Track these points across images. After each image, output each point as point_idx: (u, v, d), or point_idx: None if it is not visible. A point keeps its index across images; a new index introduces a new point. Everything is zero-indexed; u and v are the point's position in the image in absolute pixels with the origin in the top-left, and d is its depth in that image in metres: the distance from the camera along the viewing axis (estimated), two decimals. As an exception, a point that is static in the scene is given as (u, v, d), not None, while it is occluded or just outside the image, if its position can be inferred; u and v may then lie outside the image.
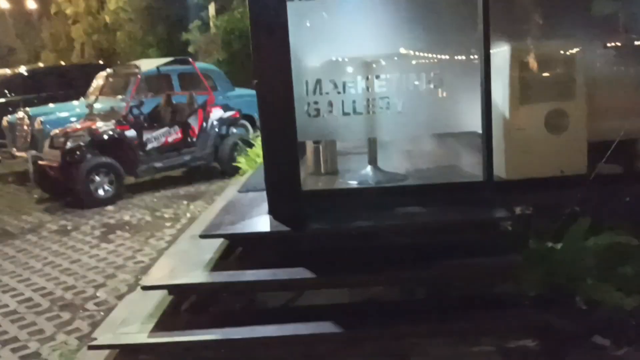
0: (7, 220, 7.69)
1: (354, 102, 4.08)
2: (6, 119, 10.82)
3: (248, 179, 5.61)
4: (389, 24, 4.03)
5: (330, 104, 4.09)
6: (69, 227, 7.11)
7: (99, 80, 11.63)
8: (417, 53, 4.08)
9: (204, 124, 9.18)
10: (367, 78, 4.06)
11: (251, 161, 8.11)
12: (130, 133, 8.36)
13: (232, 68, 13.15)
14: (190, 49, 14.32)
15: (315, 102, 4.06)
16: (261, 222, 4.02)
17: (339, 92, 4.05)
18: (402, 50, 4.07)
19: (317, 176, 4.96)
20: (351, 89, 4.06)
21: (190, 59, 9.56)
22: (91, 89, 11.65)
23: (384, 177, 4.55)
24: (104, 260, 5.77)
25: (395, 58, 4.07)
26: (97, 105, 9.18)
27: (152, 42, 17.08)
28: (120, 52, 18.17)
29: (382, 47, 4.06)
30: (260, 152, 8.17)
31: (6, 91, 13.25)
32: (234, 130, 9.66)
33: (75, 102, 11.15)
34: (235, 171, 8.98)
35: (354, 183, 4.59)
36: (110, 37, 19.10)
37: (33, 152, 9.37)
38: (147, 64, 8.85)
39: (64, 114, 10.32)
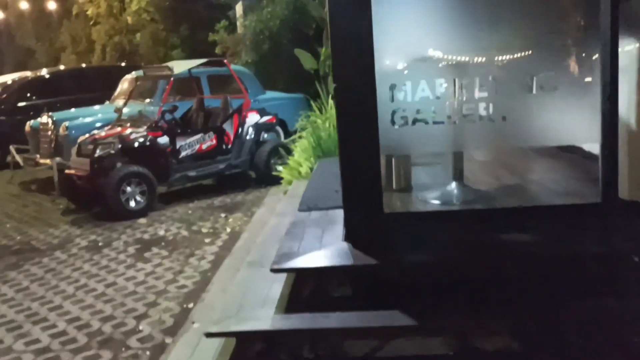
0: (32, 234, 7.15)
1: (447, 108, 3.46)
2: (29, 124, 10.32)
3: (304, 195, 5.01)
4: (490, 17, 3.41)
5: (419, 111, 3.46)
6: (100, 243, 6.56)
7: (125, 83, 11.14)
8: (524, 52, 3.44)
9: (240, 130, 8.61)
10: (464, 81, 3.44)
11: (292, 170, 7.50)
12: (163, 140, 7.81)
13: (261, 70, 12.58)
14: (217, 49, 13.77)
15: (403, 110, 3.43)
16: (339, 252, 3.40)
17: (431, 98, 3.43)
18: (506, 49, 3.44)
19: (389, 193, 4.34)
20: (445, 94, 3.44)
21: (225, 60, 8.99)
22: (117, 93, 11.16)
23: (473, 196, 3.93)
24: (143, 284, 5.20)
25: (498, 58, 3.44)
26: (125, 110, 8.64)
27: (175, 43, 16.58)
28: (143, 53, 17.68)
29: (482, 45, 3.44)
30: (302, 161, 7.66)
31: (28, 94, 12.83)
32: (267, 136, 9.08)
33: (99, 107, 10.64)
34: (273, 180, 8.42)
35: (435, 202, 3.96)
36: (132, 38, 18.63)
37: (58, 159, 8.87)
38: (180, 66, 8.30)
39: (89, 119, 9.81)
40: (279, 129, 10.41)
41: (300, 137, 9.98)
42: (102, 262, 5.89)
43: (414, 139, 3.54)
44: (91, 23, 20.54)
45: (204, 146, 8.24)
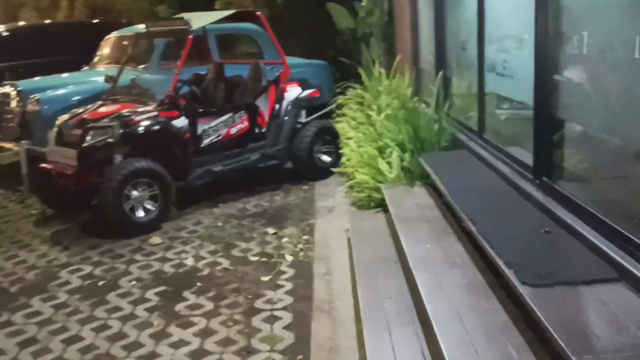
0: (-6, 261, 4.90)
1: None
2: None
3: (492, 242, 2.90)
4: None
5: None
6: (99, 282, 4.36)
7: (109, 44, 8.76)
8: None
9: (277, 108, 6.41)
10: None
11: (363, 166, 5.37)
12: (180, 122, 5.56)
13: (274, 30, 10.22)
14: (217, 5, 11.35)
15: None
16: None
17: None
18: None
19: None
20: None
21: (259, 13, 6.68)
22: (98, 56, 8.77)
23: None
24: (194, 383, 3.08)
25: None
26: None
27: (161, -4, 13.96)
28: (122, 9, 15.03)
29: None
30: (387, 155, 5.37)
31: None
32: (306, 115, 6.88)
33: (75, 74, 8.24)
34: (316, 175, 6.36)
35: None
36: (107, -9, 15.95)
37: (26, 143, 6.49)
38: (201, 19, 5.97)
39: (65, 90, 7.41)
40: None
41: (342, 115, 7.85)
42: (112, 327, 3.71)
43: None
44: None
45: (233, 130, 6.02)
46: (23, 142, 6.43)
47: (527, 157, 3.58)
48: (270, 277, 4.28)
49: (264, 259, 4.61)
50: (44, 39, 10.56)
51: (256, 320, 3.65)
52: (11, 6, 21.80)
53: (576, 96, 3.00)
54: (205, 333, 3.54)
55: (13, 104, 7.26)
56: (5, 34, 10.81)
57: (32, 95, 7.01)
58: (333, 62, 9.85)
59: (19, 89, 7.27)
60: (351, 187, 5.65)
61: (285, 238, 5.02)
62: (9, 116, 7.35)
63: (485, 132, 4.58)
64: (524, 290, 2.29)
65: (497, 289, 2.79)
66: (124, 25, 10.01)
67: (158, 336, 3.54)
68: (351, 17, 9.02)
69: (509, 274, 2.43)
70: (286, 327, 3.56)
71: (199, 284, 4.23)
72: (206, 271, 4.44)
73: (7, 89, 7.35)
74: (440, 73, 5.55)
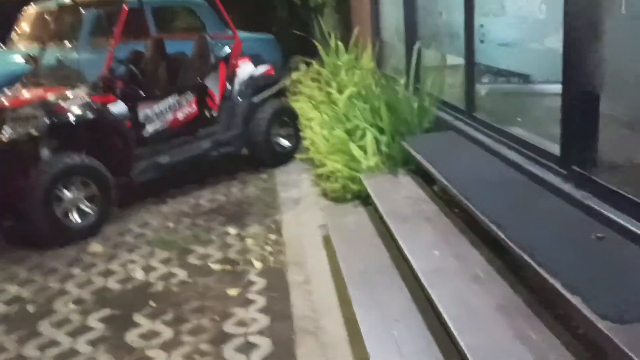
0: None
1: None
2: None
3: (529, 249, 2.32)
4: None
5: None
6: (30, 309, 3.58)
7: (28, 19, 7.75)
8: None
9: (228, 87, 5.66)
10: None
11: (339, 154, 4.73)
12: (118, 108, 4.74)
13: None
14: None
15: None
16: None
17: None
18: None
19: None
20: None
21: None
22: (16, 32, 7.75)
23: None
24: None
25: None
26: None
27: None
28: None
29: None
30: (369, 141, 4.60)
31: None
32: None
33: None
34: (275, 161, 5.75)
35: None
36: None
37: None
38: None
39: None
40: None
41: (297, 93, 7.21)
42: (46, 368, 2.98)
43: None
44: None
45: (180, 115, 5.25)
46: None
47: (542, 141, 3.04)
48: (238, 290, 3.61)
49: (228, 267, 3.93)
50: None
51: (228, 351, 2.99)
52: None
53: (617, 68, 2.46)
54: (168, 373, 2.86)
55: None
56: None
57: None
58: (279, 36, 9.11)
59: None
60: (319, 176, 5.03)
61: (250, 239, 4.35)
62: None
63: (476, 110, 4.02)
64: (604, 326, 1.73)
65: (541, 311, 2.24)
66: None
67: (108, 381, 2.84)
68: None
69: (575, 301, 1.87)
70: (266, 358, 2.92)
71: (152, 303, 3.52)
72: (160, 286, 3.73)
73: None
74: (417, 44, 4.95)
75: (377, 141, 4.34)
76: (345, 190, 4.33)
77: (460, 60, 4.26)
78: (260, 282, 3.67)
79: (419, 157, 3.76)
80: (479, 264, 2.62)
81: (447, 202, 3.41)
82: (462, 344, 2.09)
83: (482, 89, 4.35)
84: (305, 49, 8.42)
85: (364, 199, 4.22)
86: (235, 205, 5.09)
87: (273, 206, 5.01)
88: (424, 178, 3.86)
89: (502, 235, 2.41)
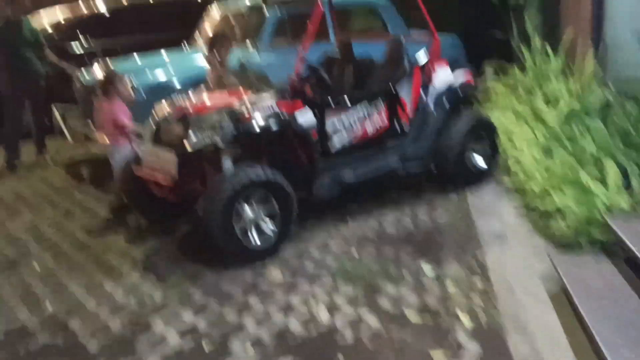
0: (78, 316, 3.84)
1: None
2: (79, 78, 6.93)
3: None
4: None
5: None
6: (204, 344, 3.16)
7: (212, 17, 7.67)
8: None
9: (422, 97, 4.99)
10: None
11: (566, 182, 3.85)
12: (305, 117, 4.27)
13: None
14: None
15: None
16: None
17: None
18: None
19: None
20: None
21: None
22: (200, 31, 7.70)
23: None
24: None
25: None
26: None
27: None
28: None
29: None
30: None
31: (81, 36, 9.17)
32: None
33: (173, 53, 7.15)
34: (465, 180, 4.99)
35: None
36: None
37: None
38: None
39: (164, 74, 6.35)
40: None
41: (491, 103, 6.37)
42: None
43: None
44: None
45: (370, 128, 4.67)
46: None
47: None
48: (445, 353, 2.92)
49: (428, 318, 3.25)
50: (142, 15, 9.57)
51: None
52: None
53: None
54: None
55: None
56: (102, 10, 9.86)
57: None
58: (467, 37, 8.24)
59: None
60: (532, 208, 4.19)
61: (450, 281, 3.64)
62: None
63: None
64: None
65: None
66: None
67: None
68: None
69: None
70: None
71: (341, 358, 2.94)
72: (349, 335, 3.14)
73: (99, 71, 6.37)
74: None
75: (624, 173, 3.42)
76: (578, 233, 3.45)
77: None
78: (472, 347, 2.95)
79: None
80: None
81: None
82: None
83: None
84: (497, 52, 7.50)
85: (605, 246, 3.33)
86: (425, 233, 4.40)
87: (471, 239, 4.25)
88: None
89: None
